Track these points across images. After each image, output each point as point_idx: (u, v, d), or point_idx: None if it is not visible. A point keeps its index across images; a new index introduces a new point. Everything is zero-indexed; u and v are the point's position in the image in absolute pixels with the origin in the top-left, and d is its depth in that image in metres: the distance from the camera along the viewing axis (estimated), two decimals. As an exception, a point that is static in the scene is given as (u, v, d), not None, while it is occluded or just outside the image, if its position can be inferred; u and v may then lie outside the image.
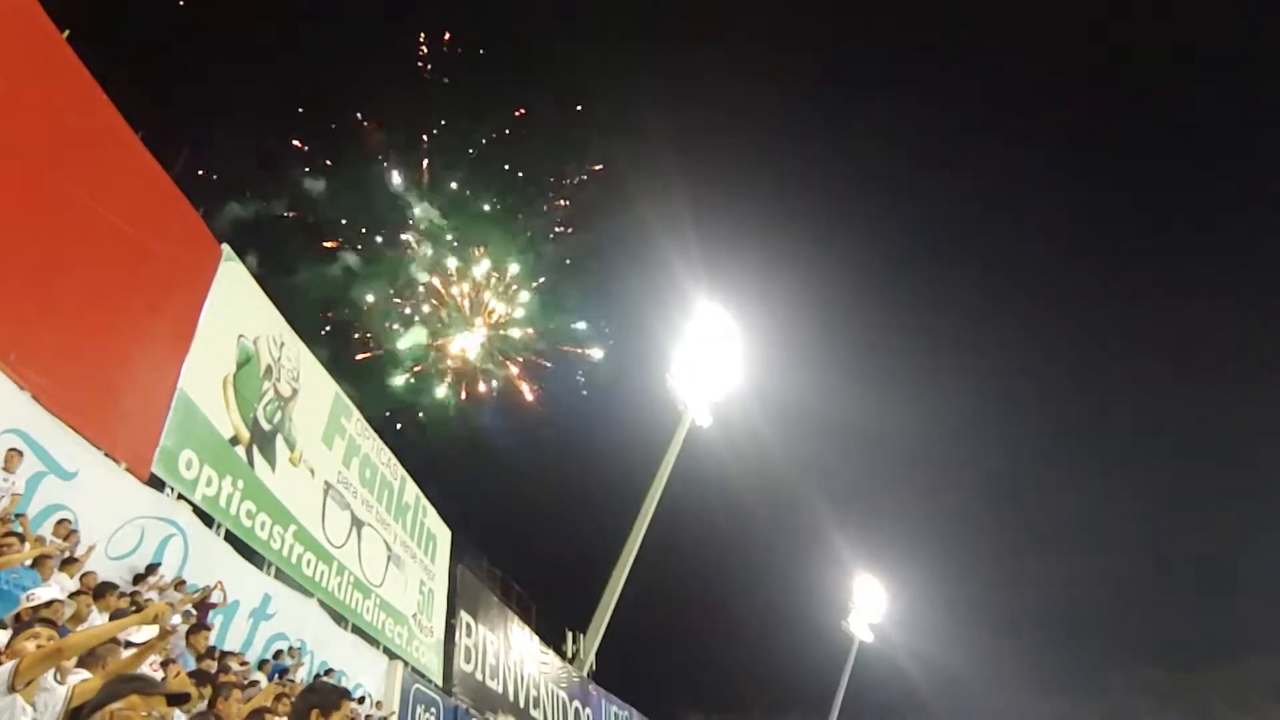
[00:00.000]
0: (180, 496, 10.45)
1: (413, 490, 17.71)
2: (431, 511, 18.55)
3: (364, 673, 13.88)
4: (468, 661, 18.75)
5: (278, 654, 11.13)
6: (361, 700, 12.22)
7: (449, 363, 44.68)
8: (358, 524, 14.94)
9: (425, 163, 45.32)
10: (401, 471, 17.19)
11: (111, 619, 6.08)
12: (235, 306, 12.16)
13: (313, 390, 14.19)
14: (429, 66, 45.77)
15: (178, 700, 2.84)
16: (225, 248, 12.12)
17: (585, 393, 47.92)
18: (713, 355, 33.37)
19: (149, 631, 5.05)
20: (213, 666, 7.68)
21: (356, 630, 14.43)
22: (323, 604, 13.40)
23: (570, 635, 27.76)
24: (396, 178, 43.74)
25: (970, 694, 68.47)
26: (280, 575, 12.41)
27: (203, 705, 5.55)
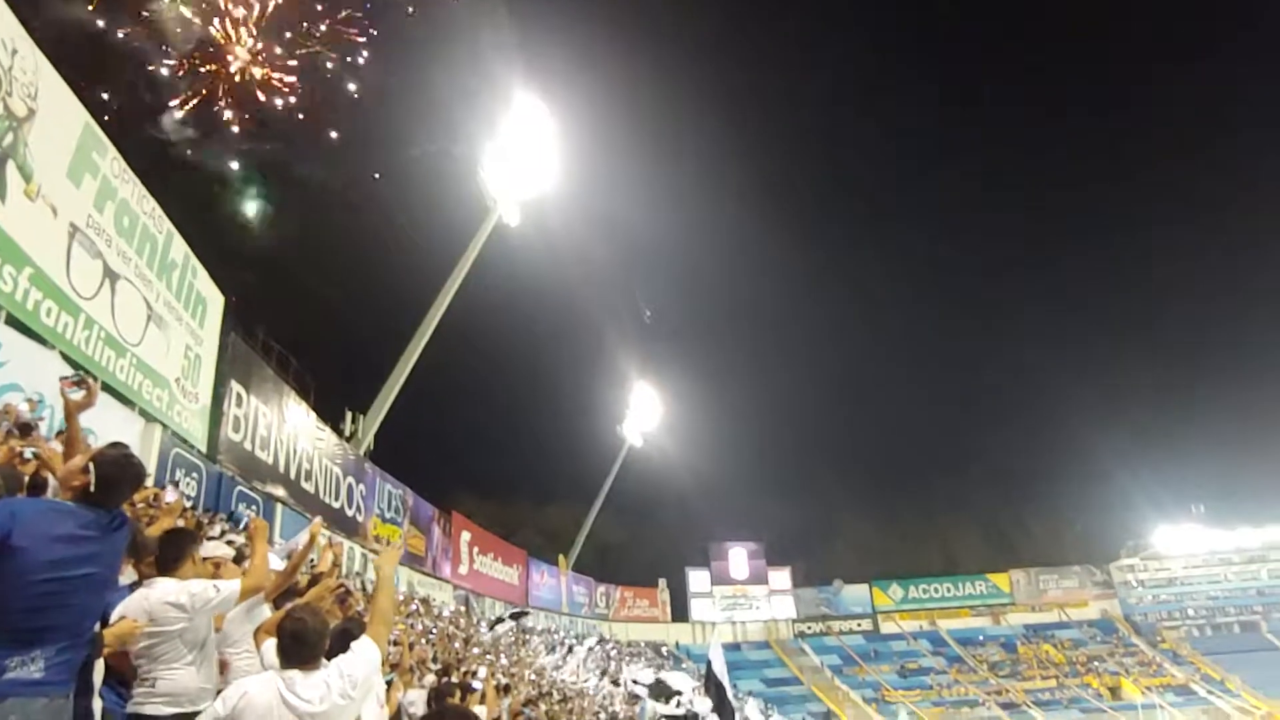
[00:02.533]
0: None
1: (181, 248, 16.02)
2: (203, 274, 17.01)
3: (115, 433, 13.02)
4: (236, 431, 18.18)
5: (8, 408, 10.08)
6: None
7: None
8: (111, 276, 13.40)
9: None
10: (168, 225, 15.39)
11: None
12: (-54, -11, 9.77)
13: (55, 114, 12.02)
14: None
15: None
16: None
17: (379, 176, 44.16)
18: (526, 152, 32.19)
19: None
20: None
21: (108, 389, 13.35)
22: (66, 357, 12.17)
23: (350, 415, 27.60)
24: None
25: (721, 497, 77.57)
26: (12, 321, 11.02)
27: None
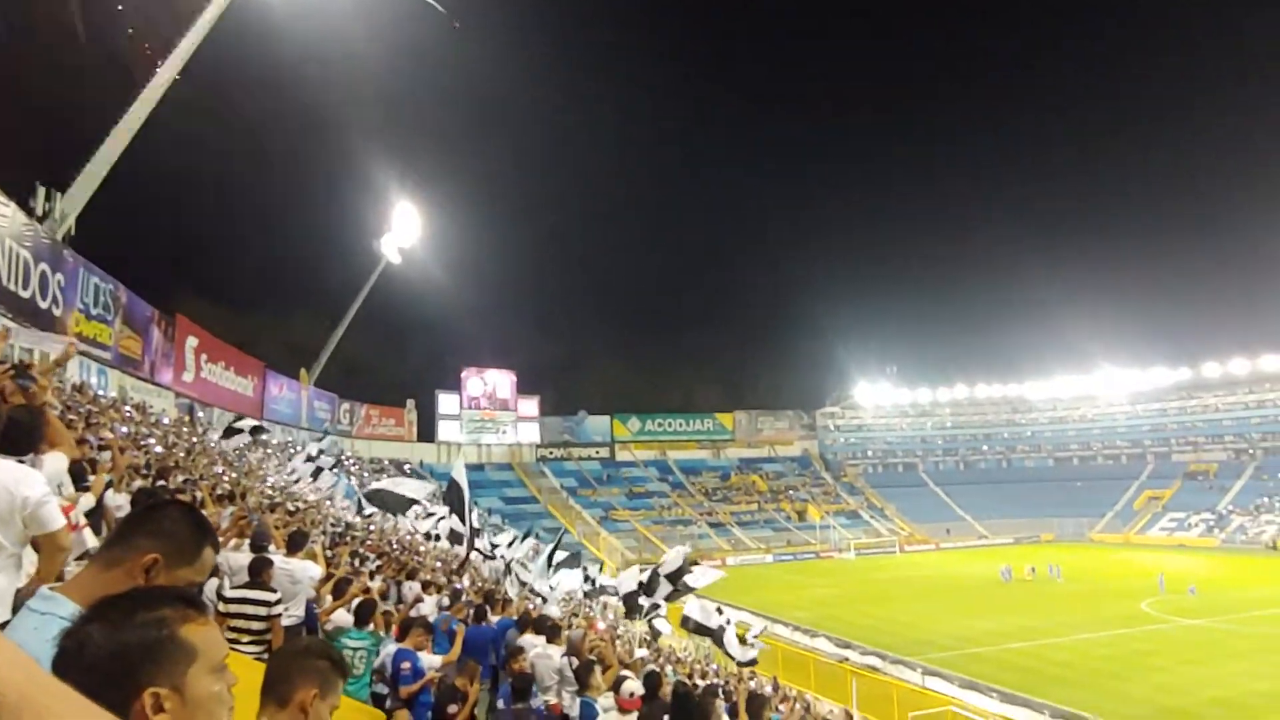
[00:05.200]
0: None
1: None
2: None
3: None
4: (-120, 190, 14.71)
5: None
6: None
7: None
8: None
9: None
10: None
11: None
12: None
13: None
14: None
15: None
16: None
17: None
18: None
19: None
20: None
21: None
22: None
23: (44, 191, 23.34)
24: None
25: (478, 322, 77.36)
26: None
27: None
